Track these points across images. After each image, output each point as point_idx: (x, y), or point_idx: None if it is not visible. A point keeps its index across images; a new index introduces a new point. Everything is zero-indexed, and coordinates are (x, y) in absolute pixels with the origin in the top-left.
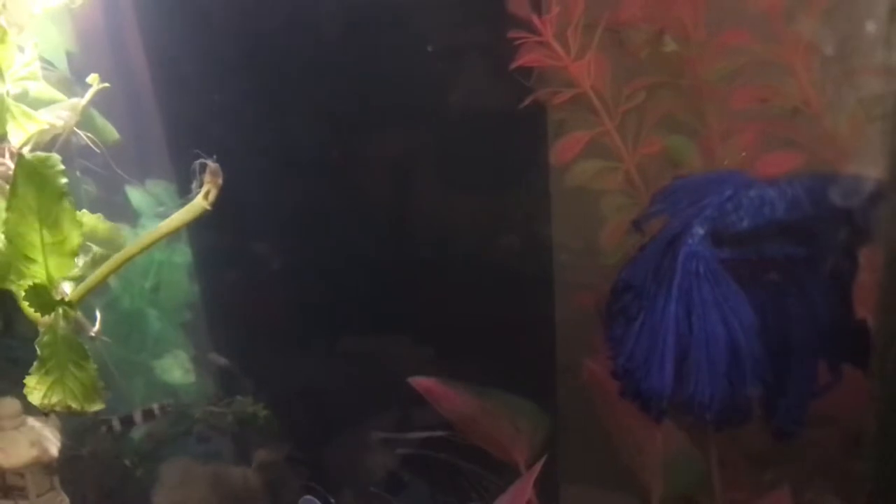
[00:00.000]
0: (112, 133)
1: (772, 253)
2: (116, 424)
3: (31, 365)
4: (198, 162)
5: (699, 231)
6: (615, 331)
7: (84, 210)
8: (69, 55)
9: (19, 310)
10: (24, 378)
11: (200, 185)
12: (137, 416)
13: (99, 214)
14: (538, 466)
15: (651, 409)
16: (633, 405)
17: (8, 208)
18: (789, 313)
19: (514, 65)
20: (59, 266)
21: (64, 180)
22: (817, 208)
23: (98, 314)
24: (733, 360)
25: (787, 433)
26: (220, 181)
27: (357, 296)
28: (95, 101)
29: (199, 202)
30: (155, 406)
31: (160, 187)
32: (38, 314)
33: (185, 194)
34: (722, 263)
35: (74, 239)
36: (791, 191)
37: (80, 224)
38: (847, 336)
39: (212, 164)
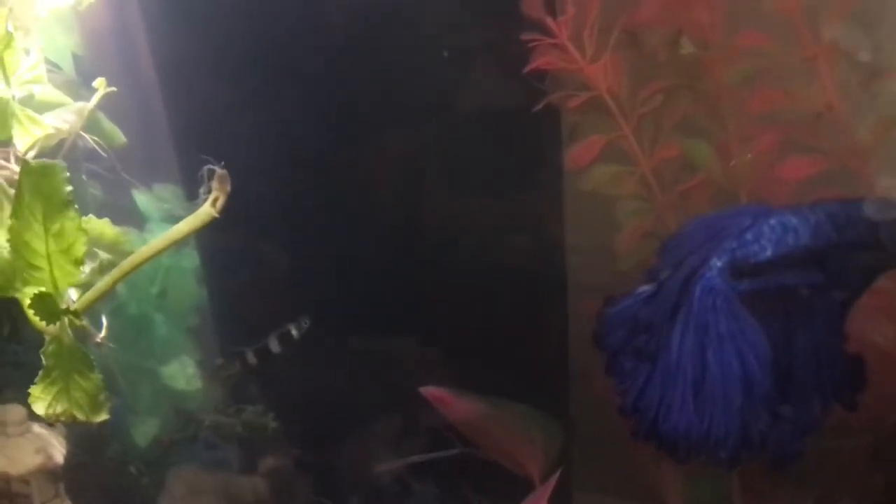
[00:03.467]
0: (119, 136)
1: (793, 282)
2: (251, 357)
3: (37, 371)
4: (206, 168)
5: (717, 263)
6: (623, 364)
7: (90, 215)
8: (75, 57)
9: (26, 315)
10: (29, 384)
11: (208, 192)
12: (274, 344)
13: (106, 219)
14: (553, 480)
15: (677, 451)
16: (650, 446)
17: (12, 216)
18: (803, 343)
19: (528, 67)
20: (65, 274)
21: (69, 188)
22: (842, 234)
23: (104, 320)
24: (747, 394)
25: (785, 463)
26: (228, 188)
27: (367, 300)
28: (102, 104)
29: (207, 209)
30: (291, 326)
31: (167, 191)
32: (44, 323)
33: (192, 198)
34: (740, 295)
35: (80, 247)
36: (814, 217)
37: (85, 232)
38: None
39: (220, 171)
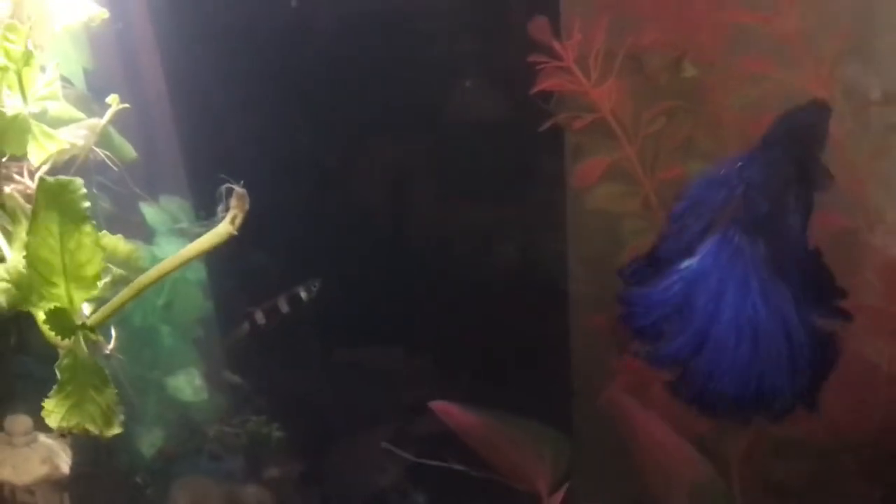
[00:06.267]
0: (129, 151)
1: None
2: (260, 317)
3: (44, 382)
4: (224, 186)
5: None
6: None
7: (104, 231)
8: (86, 72)
9: (33, 326)
10: (36, 395)
11: (226, 210)
12: (283, 304)
13: (119, 235)
14: (559, 495)
15: (728, 413)
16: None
17: (29, 232)
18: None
19: (534, 89)
20: (81, 290)
21: (86, 204)
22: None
23: (113, 332)
24: (789, 340)
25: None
26: (246, 206)
27: (371, 313)
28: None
29: (226, 227)
30: (300, 288)
31: (175, 203)
32: (59, 338)
33: (199, 210)
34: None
35: (97, 263)
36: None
37: (102, 248)
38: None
39: (239, 190)
